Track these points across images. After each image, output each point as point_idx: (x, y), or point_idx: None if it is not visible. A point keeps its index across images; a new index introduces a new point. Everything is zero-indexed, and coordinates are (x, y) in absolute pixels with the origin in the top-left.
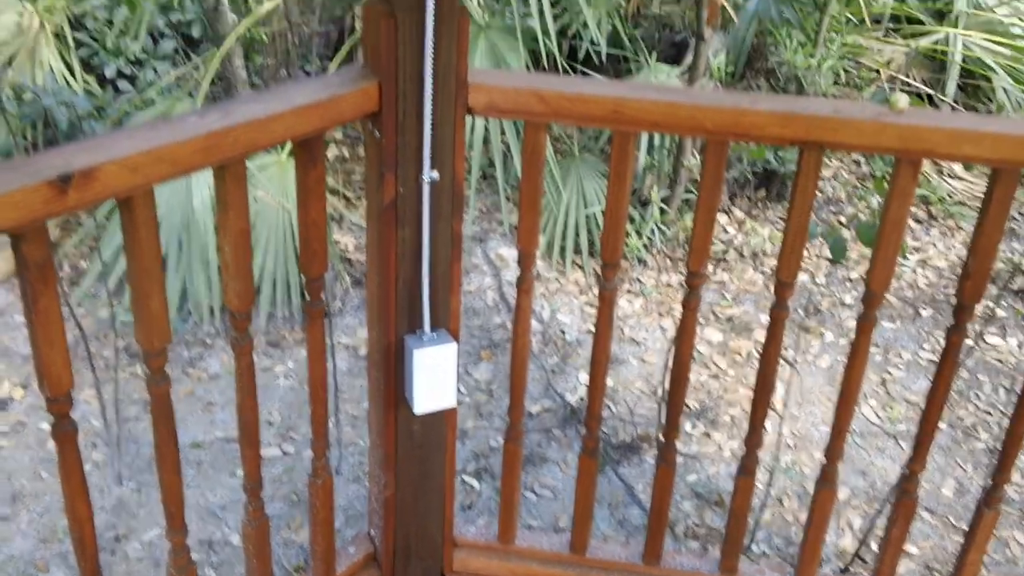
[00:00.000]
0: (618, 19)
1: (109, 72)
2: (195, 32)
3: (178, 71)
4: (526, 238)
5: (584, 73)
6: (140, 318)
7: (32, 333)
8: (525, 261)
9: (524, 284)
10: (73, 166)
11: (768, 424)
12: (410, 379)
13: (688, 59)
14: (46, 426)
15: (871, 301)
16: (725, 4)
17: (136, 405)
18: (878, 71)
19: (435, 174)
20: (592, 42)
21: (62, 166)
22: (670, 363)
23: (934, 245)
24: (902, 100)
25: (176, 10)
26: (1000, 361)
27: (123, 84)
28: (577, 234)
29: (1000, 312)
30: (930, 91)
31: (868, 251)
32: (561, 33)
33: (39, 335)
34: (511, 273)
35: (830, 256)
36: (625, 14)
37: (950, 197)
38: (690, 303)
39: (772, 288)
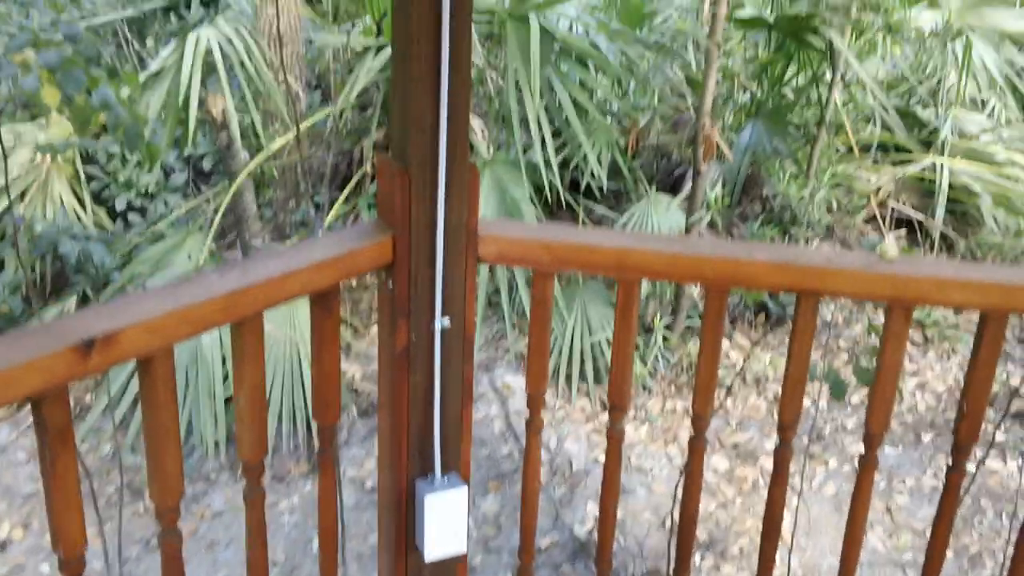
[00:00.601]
0: (617, 151)
1: (120, 204)
2: (206, 164)
3: (189, 204)
4: (535, 382)
5: (586, 202)
6: (155, 475)
7: (48, 494)
8: (534, 404)
9: (533, 426)
10: (96, 331)
11: (776, 555)
12: (421, 525)
13: (686, 188)
14: (47, 568)
15: (871, 442)
16: (719, 139)
17: (138, 545)
18: (868, 198)
19: (446, 321)
20: (592, 174)
21: (84, 331)
22: (679, 495)
23: (931, 368)
24: (892, 249)
25: (189, 146)
26: (1001, 486)
27: (134, 216)
28: (582, 361)
29: (999, 436)
30: (920, 216)
31: None
32: (563, 165)
33: (56, 497)
34: (518, 401)
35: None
36: (624, 146)
37: (945, 320)
38: (696, 446)
39: (776, 414)
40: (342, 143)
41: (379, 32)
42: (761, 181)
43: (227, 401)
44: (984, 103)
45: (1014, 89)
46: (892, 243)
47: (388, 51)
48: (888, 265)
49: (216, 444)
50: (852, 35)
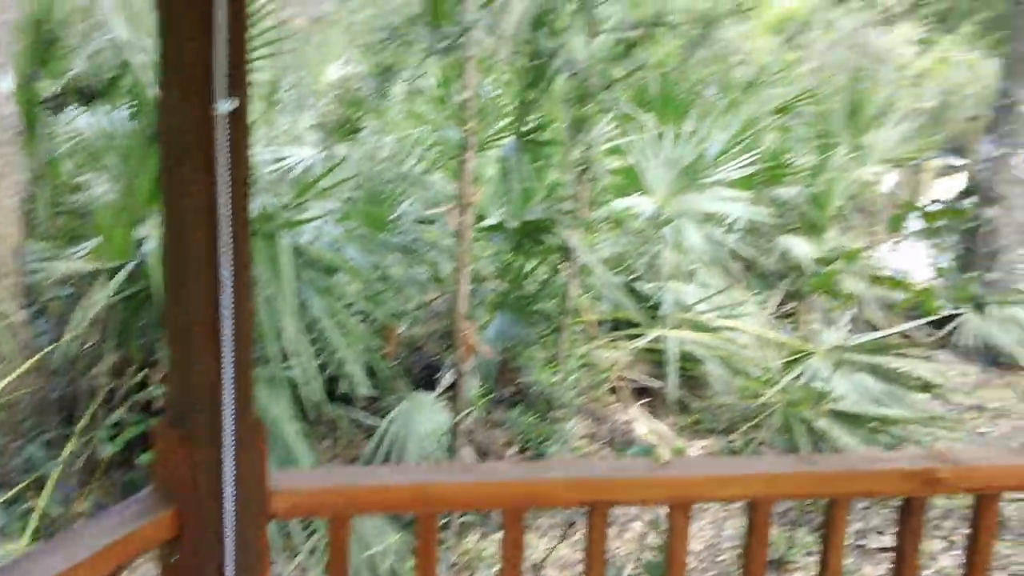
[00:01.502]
0: (375, 355)
1: None
2: None
3: None
4: None
5: (347, 411)
6: None
7: None
8: None
9: None
10: None
11: None
12: None
13: (444, 381)
14: None
15: None
16: (476, 338)
17: None
18: (609, 373)
19: None
20: (352, 381)
21: None
22: None
23: None
24: (665, 453)
25: None
26: None
27: None
28: None
29: None
30: (656, 384)
31: None
32: (320, 368)
33: None
34: None
35: None
36: (382, 349)
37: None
38: None
39: None
40: (74, 373)
41: (114, 252)
42: (515, 369)
43: None
44: (694, 274)
45: (717, 260)
46: (664, 448)
47: (121, 273)
48: (665, 468)
49: None
50: (583, 230)
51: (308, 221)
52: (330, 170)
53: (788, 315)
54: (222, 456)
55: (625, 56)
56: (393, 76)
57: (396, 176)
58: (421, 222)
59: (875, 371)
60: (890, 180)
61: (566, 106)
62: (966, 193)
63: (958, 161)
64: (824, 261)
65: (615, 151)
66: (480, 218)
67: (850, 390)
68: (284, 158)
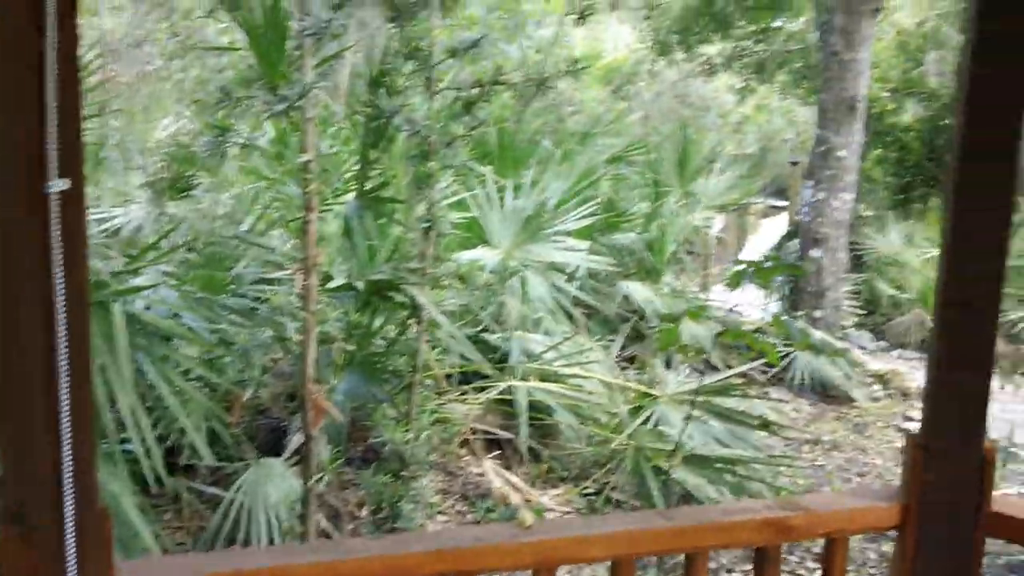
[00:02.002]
0: (217, 420)
1: None
2: None
3: None
4: None
5: (190, 482)
6: None
7: None
8: None
9: None
10: None
11: None
12: None
13: (291, 444)
14: None
15: None
16: (325, 402)
17: None
18: (461, 427)
19: None
20: (194, 451)
21: None
22: None
23: None
24: (528, 517)
25: None
26: None
27: None
28: None
29: None
30: (508, 435)
31: None
32: (160, 439)
33: None
34: None
35: None
36: (225, 417)
37: None
38: None
39: None
40: None
41: None
42: (366, 429)
43: None
44: (540, 323)
45: (561, 308)
46: (527, 512)
47: None
48: (530, 533)
49: None
50: (429, 286)
51: (141, 289)
52: (166, 233)
53: (631, 359)
54: (65, 555)
55: (465, 113)
56: (228, 136)
57: (234, 236)
58: (263, 282)
59: (718, 413)
60: (718, 223)
61: (408, 163)
62: (790, 236)
63: (780, 203)
64: (669, 318)
65: (458, 205)
66: (327, 277)
67: (695, 432)
68: (113, 218)
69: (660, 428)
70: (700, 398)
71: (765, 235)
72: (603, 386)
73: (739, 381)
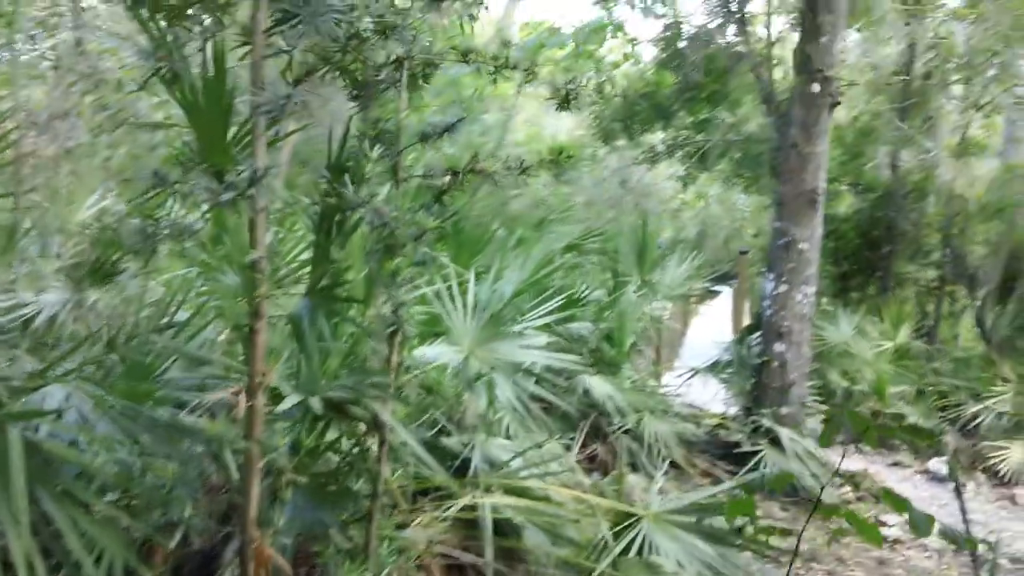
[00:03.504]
0: (135, 560)
1: None
2: None
3: None
4: None
5: None
6: None
7: None
8: None
9: None
10: None
11: None
12: None
13: None
14: None
15: None
16: (267, 550)
17: None
18: (420, 551)
19: None
20: None
21: None
22: None
23: None
24: None
25: None
26: None
27: None
28: None
29: None
30: (470, 558)
31: None
32: None
33: None
34: None
35: None
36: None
37: None
38: None
39: None
40: None
41: None
42: (314, 557)
43: None
44: (500, 424)
45: (528, 411)
46: None
47: None
48: None
49: None
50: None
51: (45, 414)
52: (83, 341)
53: (592, 457)
54: None
55: (435, 203)
56: (161, 223)
57: (165, 335)
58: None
59: (706, 533)
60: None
61: (371, 257)
62: (752, 329)
63: (717, 288)
64: (634, 409)
65: (421, 301)
66: (276, 396)
67: (682, 556)
68: (24, 305)
69: (641, 552)
70: (683, 516)
71: (706, 320)
72: (576, 501)
73: (705, 481)
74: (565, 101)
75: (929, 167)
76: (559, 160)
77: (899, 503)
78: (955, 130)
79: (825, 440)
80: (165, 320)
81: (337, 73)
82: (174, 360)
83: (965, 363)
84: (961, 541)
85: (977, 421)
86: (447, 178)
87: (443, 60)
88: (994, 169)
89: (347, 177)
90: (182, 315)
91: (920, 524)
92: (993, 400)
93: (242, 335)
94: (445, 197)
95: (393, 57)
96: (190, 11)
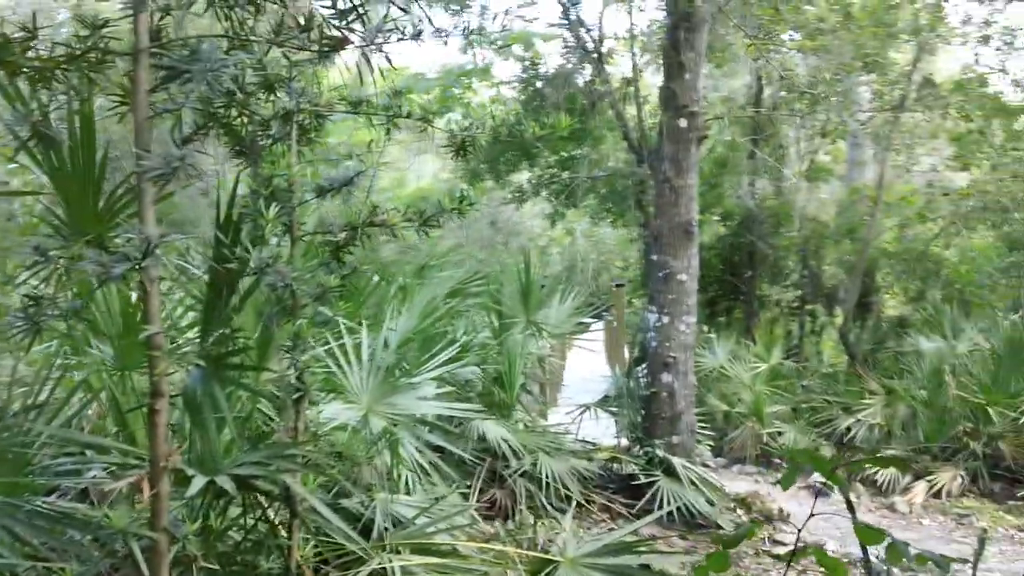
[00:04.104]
0: None
1: None
2: None
3: None
4: None
5: None
6: None
7: None
8: None
9: None
10: None
11: None
12: None
13: None
14: None
15: None
16: None
17: None
18: None
19: None
20: None
21: None
22: None
23: None
24: None
25: None
26: None
27: None
28: None
29: None
30: None
31: None
32: None
33: None
34: None
35: None
36: None
37: None
38: None
39: None
40: None
41: None
42: None
43: None
44: (407, 481)
45: (432, 464)
46: None
47: None
48: None
49: None
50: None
51: None
52: None
53: (491, 502)
54: None
55: (334, 259)
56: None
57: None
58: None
59: (621, 573)
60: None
61: (269, 320)
62: (638, 361)
63: (589, 320)
64: (529, 450)
65: (317, 361)
66: (182, 478)
67: None
68: None
69: None
70: (606, 559)
71: (581, 354)
72: (489, 552)
73: (605, 516)
74: (462, 149)
75: (783, 193)
76: (460, 208)
77: (874, 535)
78: (804, 157)
79: (787, 484)
80: (34, 400)
81: (221, 130)
82: (52, 446)
83: (833, 378)
84: (942, 564)
85: (851, 434)
86: (343, 234)
87: (332, 112)
88: (841, 192)
89: (243, 238)
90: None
91: (903, 554)
92: (863, 413)
93: (141, 415)
94: (342, 253)
95: (282, 111)
96: (56, 71)
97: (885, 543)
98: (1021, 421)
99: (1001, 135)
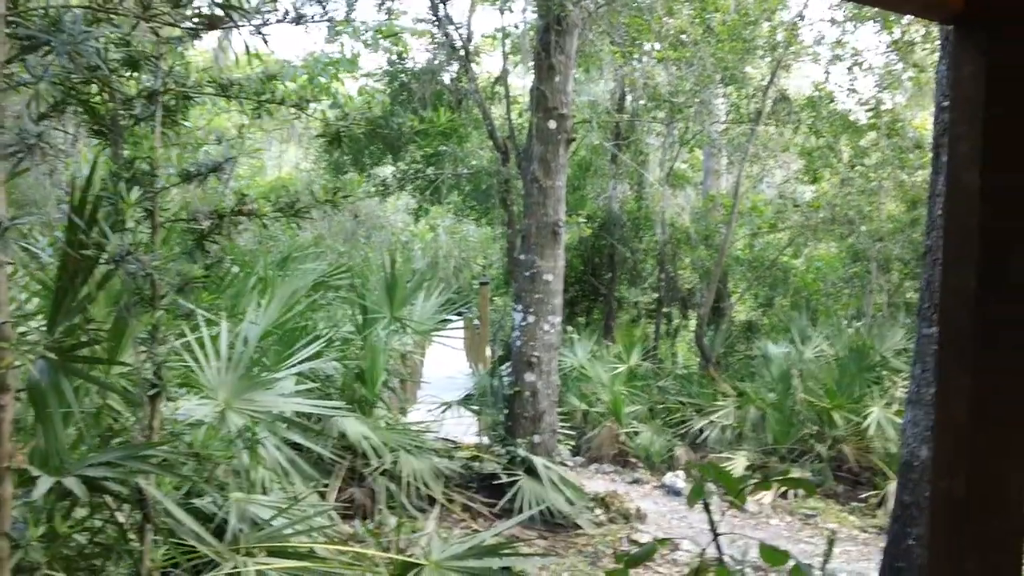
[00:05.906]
0: None
1: None
2: None
3: None
4: None
5: None
6: None
7: None
8: None
9: None
10: None
11: None
12: None
13: None
14: None
15: None
16: None
17: None
18: None
19: None
20: None
21: None
22: None
23: None
24: None
25: None
26: None
27: None
28: None
29: None
30: None
31: None
32: None
33: None
34: None
35: None
36: None
37: None
38: None
39: None
40: None
41: None
42: None
43: None
44: (263, 480)
45: (291, 463)
46: None
47: None
48: None
49: None
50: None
51: None
52: None
53: (349, 500)
54: None
55: (197, 248)
56: None
57: None
58: None
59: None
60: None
61: (125, 311)
62: (502, 360)
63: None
64: (390, 448)
65: (175, 354)
66: (23, 476)
67: None
68: None
69: None
70: (471, 562)
71: (440, 351)
72: (349, 554)
73: (466, 516)
74: (336, 138)
75: (644, 198)
76: (335, 200)
77: (778, 557)
78: (664, 164)
79: (693, 501)
80: None
81: (80, 108)
82: None
83: (687, 380)
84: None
85: (704, 435)
86: (208, 222)
87: (201, 94)
88: (697, 200)
89: (102, 223)
90: None
91: (803, 570)
92: (716, 415)
93: None
94: (207, 242)
95: (146, 90)
96: None
97: (790, 563)
98: (863, 426)
99: (848, 151)
